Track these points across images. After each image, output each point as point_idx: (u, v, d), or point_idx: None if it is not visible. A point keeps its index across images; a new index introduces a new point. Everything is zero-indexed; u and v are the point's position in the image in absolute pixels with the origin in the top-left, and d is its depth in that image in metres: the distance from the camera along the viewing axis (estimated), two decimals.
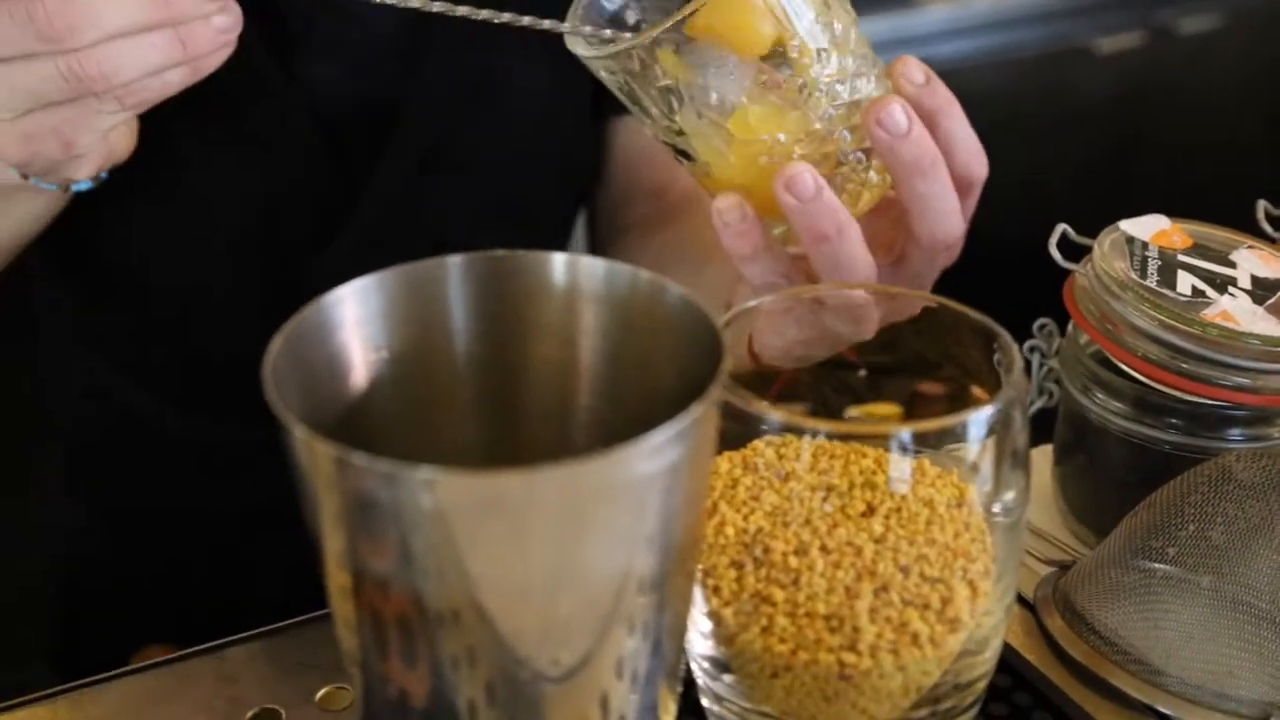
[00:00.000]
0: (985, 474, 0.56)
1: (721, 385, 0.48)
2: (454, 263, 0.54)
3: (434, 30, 0.87)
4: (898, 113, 0.64)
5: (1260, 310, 0.73)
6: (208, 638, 0.70)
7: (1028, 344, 0.84)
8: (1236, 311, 0.72)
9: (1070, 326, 0.78)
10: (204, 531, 0.97)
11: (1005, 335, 0.58)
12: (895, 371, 0.67)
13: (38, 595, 0.99)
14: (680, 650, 0.53)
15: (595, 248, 1.06)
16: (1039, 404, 0.84)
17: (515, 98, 0.91)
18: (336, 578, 0.48)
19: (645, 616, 0.48)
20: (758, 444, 0.58)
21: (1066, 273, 0.77)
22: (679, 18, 0.61)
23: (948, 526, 0.56)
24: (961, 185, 0.67)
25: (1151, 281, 0.74)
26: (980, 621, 0.56)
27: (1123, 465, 0.75)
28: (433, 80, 0.89)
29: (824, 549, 0.55)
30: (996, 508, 0.57)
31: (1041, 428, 0.80)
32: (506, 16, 0.64)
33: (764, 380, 0.70)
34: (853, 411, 0.67)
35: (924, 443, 0.56)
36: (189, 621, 0.85)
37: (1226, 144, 1.53)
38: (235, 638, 0.70)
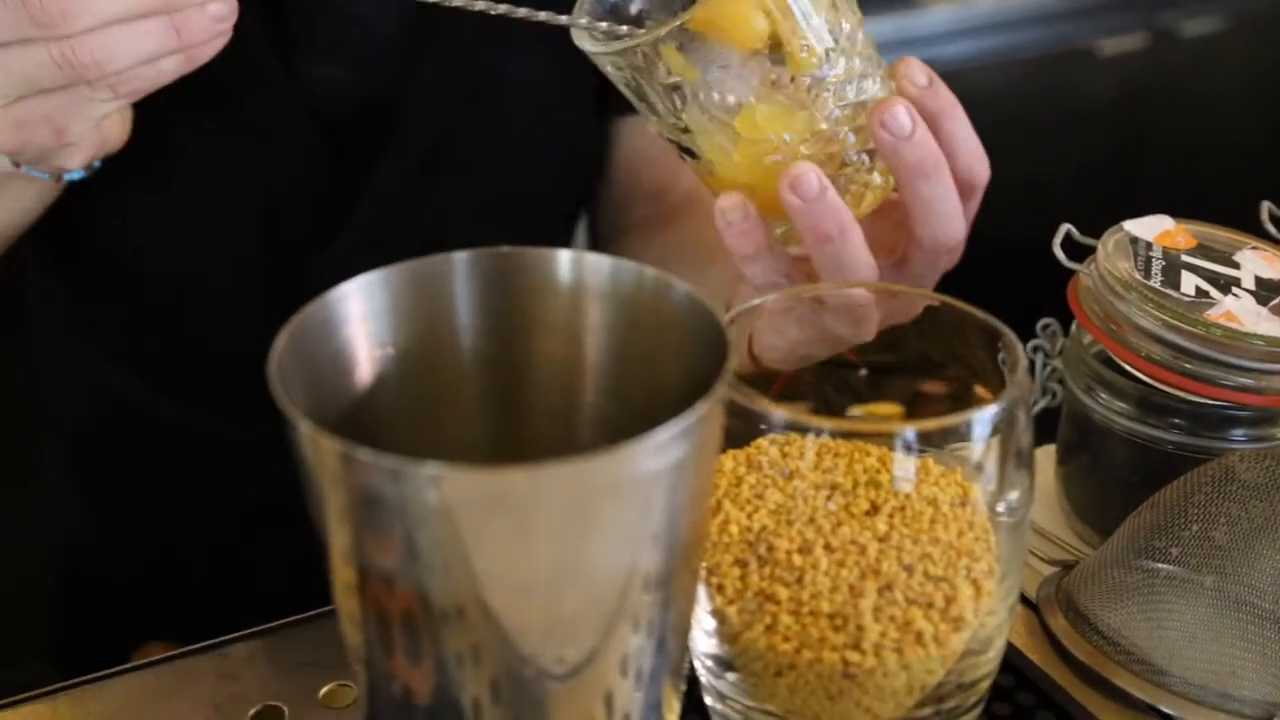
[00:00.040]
0: (989, 473, 0.56)
1: (727, 383, 0.48)
2: (459, 259, 0.54)
3: (434, 30, 0.87)
4: (902, 114, 0.63)
5: (1264, 311, 0.73)
6: (209, 636, 0.70)
7: (1031, 344, 0.84)
8: (1240, 312, 0.72)
9: (1074, 327, 0.78)
10: (205, 527, 0.97)
11: (1010, 334, 0.58)
12: (897, 371, 0.67)
13: (37, 586, 0.99)
14: (685, 648, 0.53)
15: (596, 249, 1.05)
16: (1042, 404, 0.84)
17: (514, 93, 0.91)
18: (341, 574, 0.48)
19: (650, 614, 0.48)
20: (762, 442, 0.58)
21: (1070, 273, 0.77)
22: (686, 17, 0.61)
23: (951, 525, 0.56)
24: (964, 188, 0.67)
25: (1155, 282, 0.74)
26: (984, 621, 0.56)
27: (1126, 465, 0.75)
28: (433, 80, 0.89)
29: (828, 547, 0.55)
30: (1000, 507, 0.57)
31: (1045, 428, 0.80)
32: (523, 12, 0.64)
33: (764, 379, 0.70)
34: (854, 411, 0.67)
35: (928, 442, 0.55)
36: (190, 619, 0.84)
37: (1229, 146, 1.53)
38: (237, 635, 0.70)
